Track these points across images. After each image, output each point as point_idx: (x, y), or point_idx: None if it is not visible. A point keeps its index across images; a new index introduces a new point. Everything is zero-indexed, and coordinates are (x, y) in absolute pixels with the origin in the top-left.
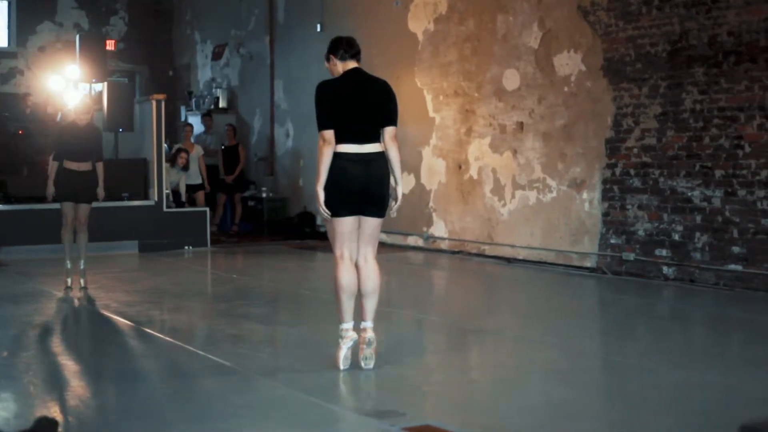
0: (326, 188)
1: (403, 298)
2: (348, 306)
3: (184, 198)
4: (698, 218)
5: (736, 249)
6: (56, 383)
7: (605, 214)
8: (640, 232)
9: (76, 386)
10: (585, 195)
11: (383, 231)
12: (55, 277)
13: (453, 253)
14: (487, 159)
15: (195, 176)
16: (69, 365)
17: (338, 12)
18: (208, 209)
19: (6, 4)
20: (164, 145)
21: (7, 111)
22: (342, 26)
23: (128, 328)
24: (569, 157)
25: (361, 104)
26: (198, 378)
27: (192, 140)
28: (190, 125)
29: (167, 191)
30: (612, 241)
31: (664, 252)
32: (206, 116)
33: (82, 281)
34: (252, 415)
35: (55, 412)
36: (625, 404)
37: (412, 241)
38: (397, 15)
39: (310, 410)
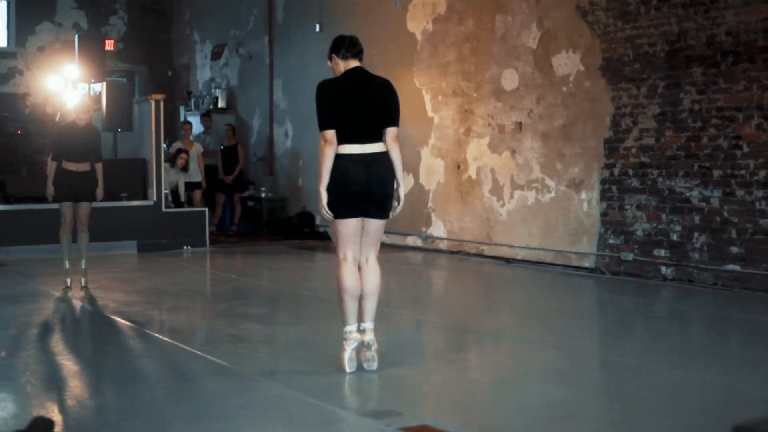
0: (328, 189)
1: (402, 298)
2: (352, 308)
3: (183, 198)
4: (697, 218)
5: (734, 249)
6: (54, 383)
7: (604, 214)
8: (639, 232)
9: (75, 386)
10: (583, 195)
11: None
12: (54, 277)
13: (452, 253)
14: (486, 159)
15: (195, 174)
16: (67, 365)
17: (337, 12)
18: (206, 209)
19: (5, 4)
20: (163, 145)
21: (6, 111)
22: (341, 26)
23: (127, 329)
24: (568, 157)
25: (362, 104)
26: (197, 378)
27: (191, 139)
28: (189, 123)
29: (166, 191)
30: (610, 241)
31: (662, 252)
32: (205, 116)
33: (83, 280)
34: (251, 416)
35: (53, 412)
36: (623, 404)
37: (410, 241)
38: (396, 15)
39: (309, 410)
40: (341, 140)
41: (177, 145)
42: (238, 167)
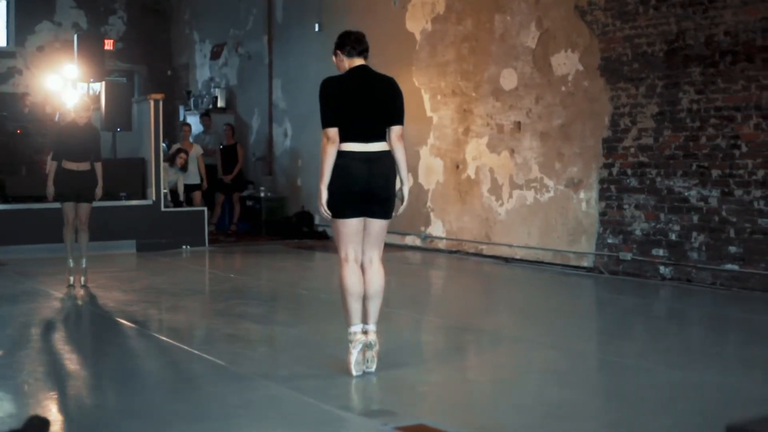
0: (330, 188)
1: (401, 297)
2: (355, 309)
3: (182, 198)
4: (695, 218)
5: (732, 249)
6: (52, 382)
7: (602, 214)
8: (637, 232)
9: (73, 385)
10: (582, 195)
11: None
12: (54, 277)
13: (450, 252)
14: (485, 159)
15: (194, 176)
16: (65, 364)
17: (337, 12)
18: (206, 209)
19: (5, 3)
20: (162, 145)
21: (6, 110)
22: (340, 26)
23: (126, 328)
24: (566, 157)
25: (366, 102)
26: (196, 378)
27: (190, 140)
28: (188, 125)
29: (165, 191)
30: (609, 240)
31: (661, 252)
32: (204, 116)
33: (82, 279)
34: (249, 415)
35: (51, 411)
36: (622, 404)
37: (409, 240)
38: (395, 15)
39: (307, 410)
40: (344, 138)
41: (177, 146)
42: (238, 167)
